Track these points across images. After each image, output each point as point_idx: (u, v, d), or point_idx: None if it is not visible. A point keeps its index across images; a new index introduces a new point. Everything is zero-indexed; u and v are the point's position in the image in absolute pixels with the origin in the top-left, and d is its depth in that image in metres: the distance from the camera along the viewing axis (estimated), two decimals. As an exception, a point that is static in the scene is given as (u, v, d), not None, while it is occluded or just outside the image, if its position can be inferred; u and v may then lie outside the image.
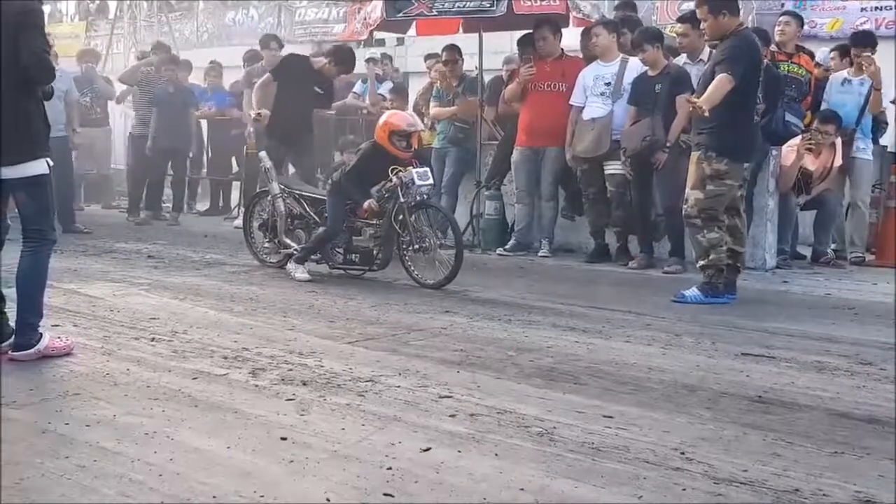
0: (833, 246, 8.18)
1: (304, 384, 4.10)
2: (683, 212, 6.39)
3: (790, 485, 3.03)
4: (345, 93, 12.04)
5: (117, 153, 12.90)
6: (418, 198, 6.73)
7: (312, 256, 7.17)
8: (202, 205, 12.33)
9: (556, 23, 8.21)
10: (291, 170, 8.77)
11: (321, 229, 7.07)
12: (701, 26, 6.53)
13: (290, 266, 7.08)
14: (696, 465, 3.20)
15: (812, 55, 8.45)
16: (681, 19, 7.83)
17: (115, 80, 12.49)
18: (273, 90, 8.42)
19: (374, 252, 6.98)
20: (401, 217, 6.73)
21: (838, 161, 7.86)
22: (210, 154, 12.35)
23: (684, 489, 2.99)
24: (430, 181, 6.91)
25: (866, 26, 12.42)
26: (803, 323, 5.66)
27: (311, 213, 7.28)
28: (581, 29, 8.53)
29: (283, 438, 3.38)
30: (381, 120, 6.95)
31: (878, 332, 5.41)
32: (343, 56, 8.45)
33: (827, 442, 3.46)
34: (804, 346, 5.03)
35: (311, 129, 8.70)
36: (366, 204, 6.83)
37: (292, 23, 19.39)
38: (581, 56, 8.44)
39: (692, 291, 6.26)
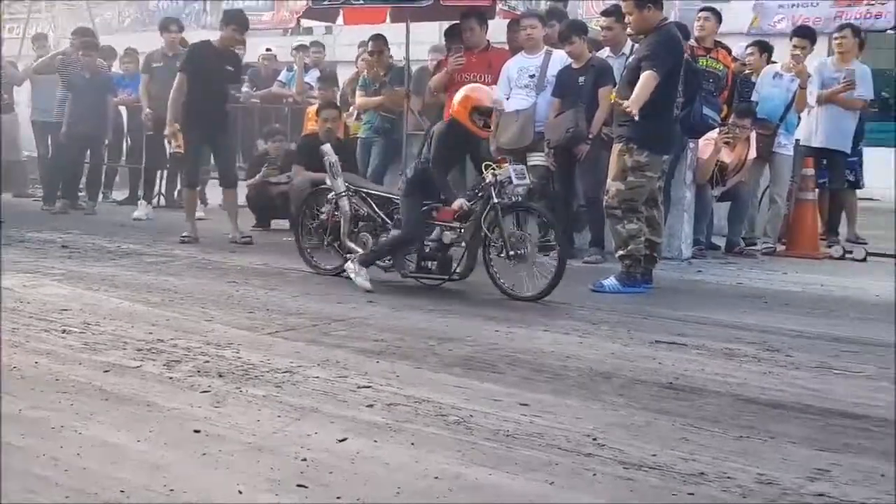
0: (743, 234, 8.38)
1: (221, 376, 4.07)
2: (604, 202, 6.49)
3: (696, 468, 3.11)
4: (270, 82, 11.95)
5: (27, 140, 12.58)
6: (514, 199, 6.08)
7: (379, 262, 6.43)
8: (120, 193, 12.08)
9: (482, 14, 8.23)
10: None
11: (396, 232, 6.29)
12: (626, 20, 6.63)
13: (351, 266, 6.30)
14: (608, 450, 3.26)
15: (729, 50, 8.64)
16: (605, 13, 7.92)
17: (22, 68, 12.24)
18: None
19: (455, 259, 6.27)
20: (490, 220, 6.03)
21: (752, 154, 8.07)
22: (129, 142, 12.10)
23: (595, 474, 3.05)
24: (527, 180, 6.17)
25: (783, 23, 12.73)
26: (715, 311, 5.79)
27: (381, 215, 6.51)
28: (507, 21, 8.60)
29: (197, 431, 3.35)
30: (461, 95, 6.21)
31: (786, 320, 5.57)
32: (236, 16, 8.50)
33: (733, 426, 3.56)
34: (714, 334, 5.15)
35: (227, 114, 8.64)
36: (456, 204, 6.03)
37: (219, 9, 19.13)
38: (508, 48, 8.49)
39: (610, 281, 6.36)
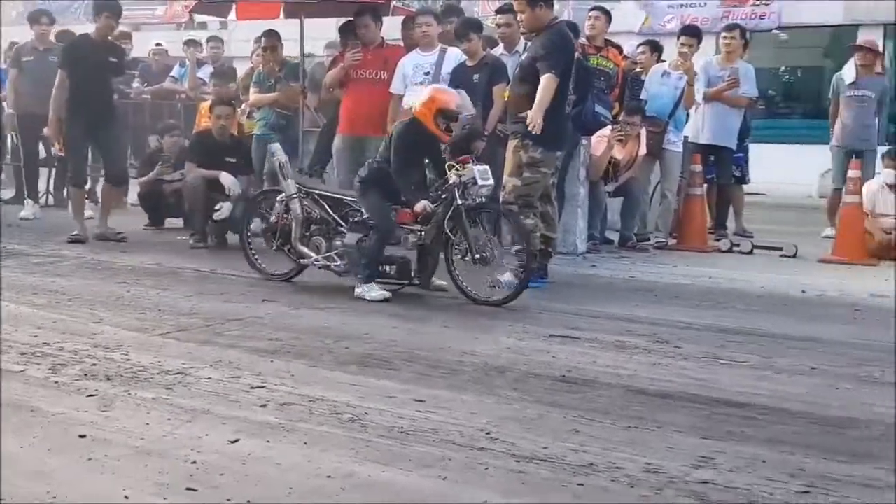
0: (636, 230, 8.58)
1: (109, 379, 3.97)
2: (501, 198, 6.55)
3: (586, 459, 3.18)
4: (162, 77, 11.69)
5: None
6: (478, 200, 5.92)
7: (335, 267, 6.21)
8: (6, 192, 11.64)
9: (377, 10, 8.21)
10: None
11: (373, 238, 5.99)
12: (518, 18, 6.70)
13: (359, 291, 5.96)
14: (500, 444, 3.31)
15: (620, 49, 8.81)
16: (501, 10, 7.96)
17: None
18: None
19: (416, 263, 6.11)
20: (452, 222, 5.88)
21: (643, 150, 8.27)
22: (15, 139, 11.65)
23: (487, 468, 3.09)
24: (492, 181, 5.99)
25: (673, 23, 13.07)
26: (608, 305, 5.92)
27: (334, 217, 6.28)
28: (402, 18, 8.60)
29: (82, 436, 3.26)
30: (426, 95, 6.08)
31: (675, 312, 5.72)
32: (108, 5, 8.22)
33: (623, 417, 3.65)
34: (607, 327, 5.27)
35: (113, 108, 8.42)
36: (419, 206, 5.87)
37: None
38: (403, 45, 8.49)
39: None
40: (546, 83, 6.17)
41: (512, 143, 6.49)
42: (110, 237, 8.11)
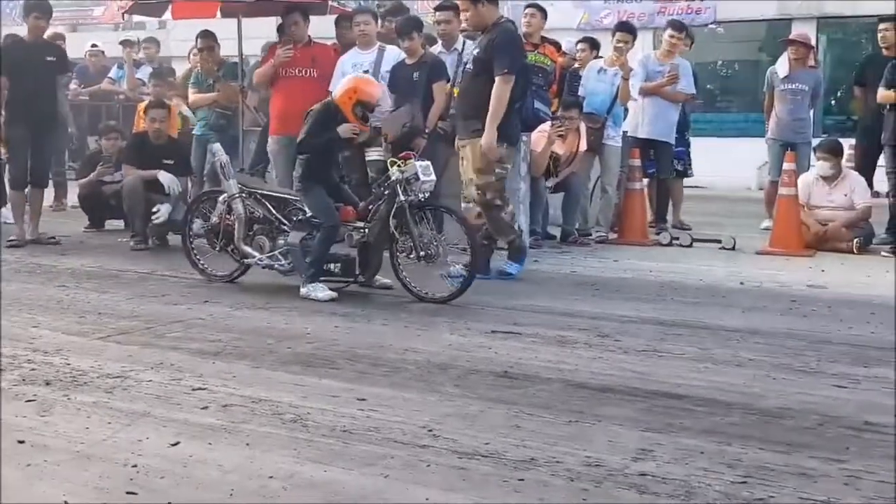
0: (577, 225, 8.67)
1: (48, 384, 3.93)
2: (483, 198, 6.46)
3: (527, 454, 3.22)
4: (100, 78, 11.54)
5: None
6: (421, 196, 5.92)
7: (279, 267, 6.20)
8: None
9: (305, 9, 8.17)
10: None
11: (319, 236, 5.95)
12: (461, 16, 6.74)
13: (304, 291, 5.91)
14: (442, 440, 3.34)
15: (558, 45, 8.90)
16: (441, 7, 7.97)
17: None
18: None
19: (359, 261, 6.09)
20: (397, 219, 5.90)
21: (583, 146, 8.35)
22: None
23: (429, 465, 3.11)
24: (433, 177, 6.01)
25: (609, 19, 13.21)
26: (549, 300, 5.97)
27: (277, 216, 6.25)
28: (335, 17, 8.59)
29: (21, 442, 3.23)
30: (349, 83, 6.17)
31: (615, 306, 5.79)
32: (37, 5, 8.09)
33: (564, 412, 3.69)
34: (549, 322, 5.31)
35: (56, 107, 8.28)
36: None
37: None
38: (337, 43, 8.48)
39: (512, 266, 6.64)
40: (502, 84, 6.23)
41: (474, 143, 6.42)
42: (43, 241, 7.98)
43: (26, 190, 8.16)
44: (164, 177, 7.90)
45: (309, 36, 8.10)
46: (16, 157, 8.08)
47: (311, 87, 7.92)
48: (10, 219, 9.14)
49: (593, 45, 9.30)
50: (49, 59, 8.07)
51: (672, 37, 9.02)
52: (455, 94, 7.23)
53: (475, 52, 6.56)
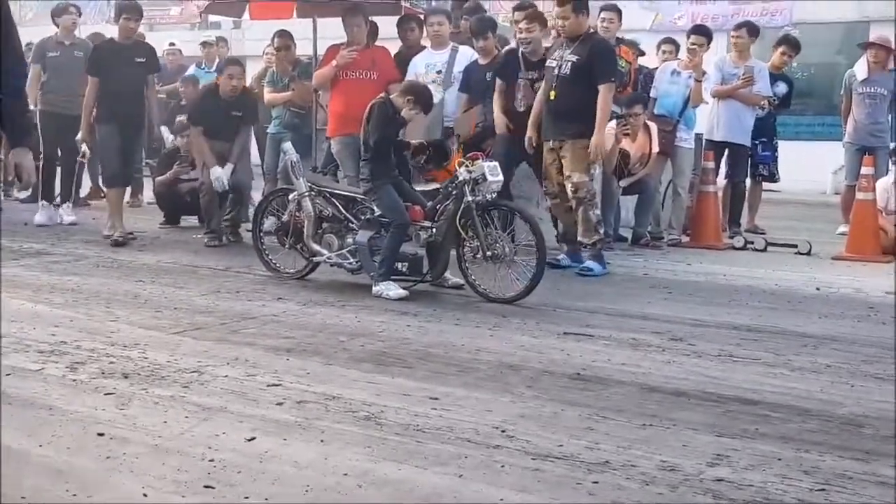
0: (649, 229, 8.57)
1: (126, 377, 4.01)
2: (579, 196, 6.73)
3: (601, 457, 3.19)
4: (176, 76, 11.74)
5: None
6: (489, 196, 5.92)
7: (347, 265, 6.26)
8: (23, 192, 11.69)
9: (366, 11, 8.16)
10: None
11: (390, 234, 5.98)
12: (559, 23, 6.96)
13: (377, 289, 5.94)
14: (516, 441, 3.32)
15: (634, 46, 8.83)
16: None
17: None
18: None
19: (427, 260, 6.10)
20: (465, 219, 5.90)
21: (655, 148, 8.24)
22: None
23: (503, 466, 3.10)
24: (501, 177, 6.03)
25: (683, 20, 13.02)
26: (622, 302, 5.91)
27: (346, 215, 6.32)
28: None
29: (101, 434, 3.29)
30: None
31: (689, 310, 5.71)
32: (127, 6, 8.31)
33: (637, 415, 3.66)
34: (621, 325, 5.26)
35: (144, 107, 8.44)
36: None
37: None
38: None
39: (596, 265, 6.84)
40: (606, 92, 6.66)
41: (574, 143, 6.70)
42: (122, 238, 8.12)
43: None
44: (216, 171, 7.97)
45: (367, 38, 8.05)
46: (108, 157, 8.25)
47: (370, 88, 7.87)
48: (46, 220, 9.20)
49: (676, 46, 9.25)
50: (139, 59, 8.21)
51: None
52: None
53: (574, 59, 6.69)
